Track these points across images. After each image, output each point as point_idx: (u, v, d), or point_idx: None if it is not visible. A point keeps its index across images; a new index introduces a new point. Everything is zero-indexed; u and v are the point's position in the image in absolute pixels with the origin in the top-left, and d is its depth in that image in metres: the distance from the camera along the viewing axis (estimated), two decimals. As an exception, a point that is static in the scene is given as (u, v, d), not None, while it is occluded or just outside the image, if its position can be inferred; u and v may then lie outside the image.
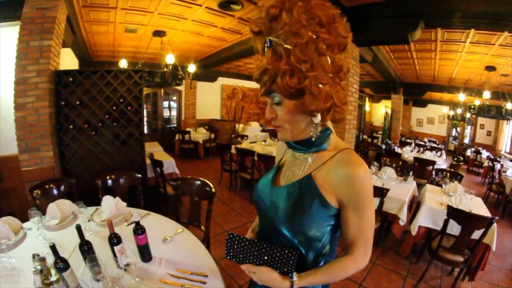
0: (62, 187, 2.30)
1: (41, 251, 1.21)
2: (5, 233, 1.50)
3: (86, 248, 1.26)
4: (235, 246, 0.82)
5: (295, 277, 0.77)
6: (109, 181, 2.46)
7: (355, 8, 3.82)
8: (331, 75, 0.70)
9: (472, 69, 6.12)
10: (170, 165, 3.89)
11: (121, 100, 2.91)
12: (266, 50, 0.67)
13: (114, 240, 1.28)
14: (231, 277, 2.51)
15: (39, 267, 1.14)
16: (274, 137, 6.65)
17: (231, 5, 3.77)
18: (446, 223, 2.40)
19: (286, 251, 0.77)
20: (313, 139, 0.78)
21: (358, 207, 0.75)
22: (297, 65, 0.64)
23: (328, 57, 0.68)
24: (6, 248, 1.39)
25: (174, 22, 4.37)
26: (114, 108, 2.88)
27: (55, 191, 2.24)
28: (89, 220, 1.83)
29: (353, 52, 4.23)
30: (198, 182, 2.20)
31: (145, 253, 1.40)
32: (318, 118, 0.74)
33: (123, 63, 4.81)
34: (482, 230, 2.23)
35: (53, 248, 1.11)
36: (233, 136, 6.99)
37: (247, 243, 0.81)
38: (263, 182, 0.93)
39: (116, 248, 1.27)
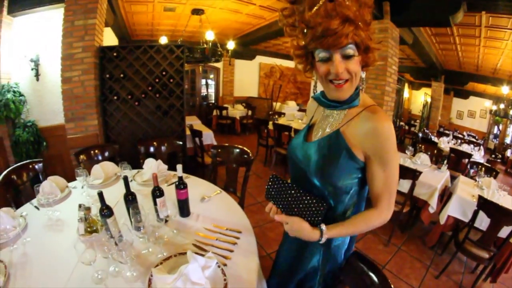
0: (106, 153, 2.49)
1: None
2: (51, 190, 1.65)
3: (130, 198, 1.36)
4: (276, 186, 0.90)
5: (323, 227, 0.83)
6: (151, 148, 2.63)
7: (395, -14, 3.67)
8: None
9: (519, 59, 5.59)
10: (208, 136, 4.05)
11: (164, 73, 3.07)
12: (321, 3, 0.69)
13: (157, 192, 1.39)
14: (260, 246, 2.63)
15: (83, 215, 1.26)
16: None
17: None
18: (475, 214, 2.33)
19: (317, 201, 0.83)
20: (357, 90, 0.85)
21: (382, 159, 0.80)
22: (364, 22, 0.73)
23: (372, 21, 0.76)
24: (53, 202, 1.54)
25: (213, 0, 4.42)
26: (157, 80, 3.05)
27: (99, 156, 2.42)
28: (131, 180, 1.93)
29: (393, 32, 4.06)
30: (237, 150, 2.28)
31: (184, 208, 1.51)
32: (364, 74, 0.85)
33: (163, 40, 4.97)
34: (511, 228, 2.13)
35: (100, 195, 1.20)
36: (270, 113, 7.00)
37: (286, 185, 0.89)
38: (297, 139, 1.00)
39: (158, 200, 1.38)
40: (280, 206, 0.90)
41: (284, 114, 7.02)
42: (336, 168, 0.84)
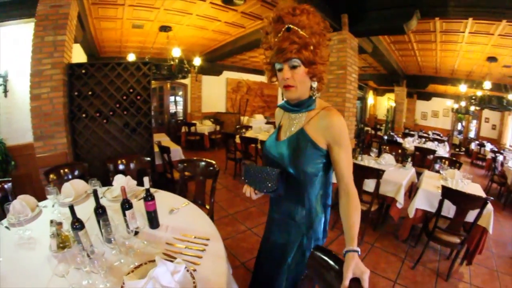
0: (76, 171, 2.44)
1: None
2: (22, 209, 1.62)
3: (100, 211, 1.38)
4: (247, 171, 1.12)
5: (355, 248, 0.91)
6: (120, 165, 2.61)
7: (352, 0, 3.94)
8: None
9: (474, 60, 6.12)
10: (177, 152, 4.05)
11: (131, 90, 3.09)
12: (282, 32, 0.99)
13: (126, 205, 1.40)
14: (234, 256, 2.64)
15: (55, 231, 1.24)
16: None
17: (234, 0, 3.91)
18: (441, 203, 2.47)
19: (271, 169, 1.05)
20: (313, 96, 1.11)
21: (340, 144, 1.05)
22: (310, 45, 1.00)
23: (324, 42, 1.05)
24: (24, 221, 1.50)
25: (180, 17, 4.53)
26: (124, 97, 3.06)
27: (69, 175, 2.37)
28: (101, 197, 1.95)
29: (351, 42, 4.32)
30: (203, 163, 2.35)
31: (153, 220, 1.52)
32: (315, 84, 1.09)
33: (131, 57, 4.99)
34: (477, 211, 2.28)
35: (71, 208, 1.22)
36: (237, 127, 7.16)
37: (253, 167, 1.12)
38: (270, 140, 1.24)
39: (127, 212, 1.39)
40: (251, 183, 1.11)
41: (251, 127, 7.21)
42: (304, 157, 1.07)
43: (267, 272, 1.31)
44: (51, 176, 2.26)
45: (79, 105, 2.89)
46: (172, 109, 9.08)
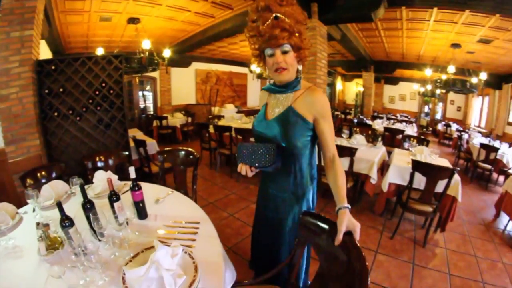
0: (53, 173, 2.32)
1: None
2: (2, 218, 1.53)
3: (89, 206, 1.34)
4: (241, 149, 1.21)
5: (345, 205, 1.07)
6: (98, 162, 2.54)
7: (322, -11, 4.01)
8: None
9: (439, 46, 6.49)
10: (152, 146, 4.00)
11: (103, 85, 2.98)
12: (270, 20, 1.08)
13: (114, 197, 1.38)
14: (220, 241, 2.70)
15: (43, 233, 1.21)
16: (248, 115, 6.93)
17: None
18: (412, 175, 2.68)
19: (267, 146, 1.15)
20: (298, 78, 1.25)
21: (325, 116, 1.21)
22: (297, 32, 1.13)
23: (305, 31, 1.18)
24: (6, 230, 1.44)
25: (149, 9, 4.40)
26: (97, 93, 2.96)
27: (45, 178, 2.26)
28: None
29: (321, 30, 4.44)
30: (183, 152, 2.37)
31: (141, 210, 1.51)
32: (301, 66, 1.23)
33: (100, 51, 4.77)
34: (445, 181, 2.50)
35: (59, 205, 1.18)
36: (210, 117, 7.12)
37: (247, 145, 1.22)
38: (258, 119, 1.35)
39: (115, 204, 1.37)
40: (247, 161, 1.19)
41: (223, 116, 7.22)
42: (295, 131, 1.21)
43: (268, 246, 1.45)
44: (28, 180, 2.14)
45: (50, 104, 2.75)
46: (142, 103, 8.86)
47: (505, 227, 3.27)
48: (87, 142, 2.99)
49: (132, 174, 1.48)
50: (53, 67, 2.72)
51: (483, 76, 6.19)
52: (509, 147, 5.57)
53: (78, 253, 1.07)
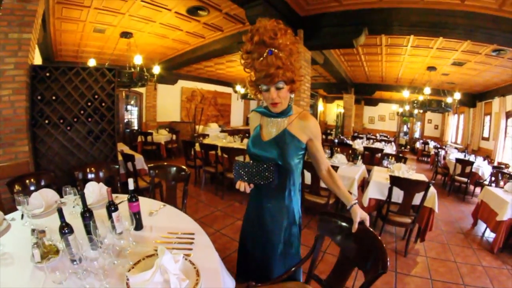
0: (42, 181, 2.30)
1: (29, 236, 1.28)
2: None
3: (87, 215, 1.37)
4: (239, 167, 1.28)
5: (351, 202, 1.33)
6: (89, 174, 2.54)
7: (308, 18, 4.34)
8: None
9: (416, 69, 6.97)
10: (139, 161, 4.00)
11: (96, 96, 3.01)
12: (265, 55, 1.16)
13: (112, 207, 1.42)
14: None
15: (38, 240, 1.20)
16: (231, 135, 7.05)
17: (199, 11, 4.04)
18: (390, 190, 2.89)
19: (267, 165, 1.24)
20: (290, 105, 1.37)
21: (317, 136, 1.37)
22: (290, 66, 1.21)
23: (298, 59, 1.29)
24: None
25: (143, 25, 4.51)
26: (89, 104, 2.98)
27: (34, 186, 2.23)
28: (73, 206, 1.88)
29: (305, 55, 4.72)
30: (174, 168, 2.43)
31: (138, 222, 1.55)
32: (293, 95, 1.35)
33: (92, 62, 4.78)
34: (422, 194, 2.72)
35: (60, 211, 1.20)
36: (195, 135, 7.20)
37: (245, 163, 1.29)
38: (254, 141, 1.43)
39: (114, 214, 1.41)
40: (246, 178, 1.27)
41: (208, 135, 7.33)
42: (290, 151, 1.32)
43: (259, 258, 1.52)
44: (16, 187, 2.11)
45: (41, 111, 2.74)
46: (126, 118, 8.81)
47: (483, 233, 3.54)
48: (76, 153, 2.98)
49: (131, 186, 1.53)
50: (47, 74, 2.73)
51: (457, 96, 6.67)
52: (484, 160, 6.06)
53: (78, 260, 1.10)
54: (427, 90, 6.78)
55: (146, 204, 1.96)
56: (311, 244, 1.54)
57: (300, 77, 1.30)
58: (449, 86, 7.99)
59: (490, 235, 3.42)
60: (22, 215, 1.69)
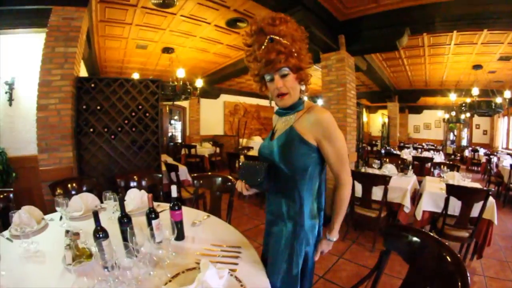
0: (84, 186, 2.36)
1: (64, 238, 1.25)
2: (27, 220, 1.52)
3: (125, 220, 1.29)
4: (242, 168, 1.22)
5: (327, 235, 1.22)
6: (131, 181, 2.56)
7: (348, 22, 4.19)
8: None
9: (461, 69, 6.45)
10: (183, 172, 4.03)
11: (140, 107, 3.10)
12: (266, 43, 1.03)
13: (153, 214, 1.34)
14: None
15: (71, 242, 1.17)
16: None
17: (238, 23, 4.05)
18: (447, 200, 2.61)
19: (259, 164, 1.14)
20: (301, 100, 1.19)
21: (330, 139, 1.10)
22: (294, 52, 1.06)
23: (304, 47, 1.12)
24: (30, 233, 1.41)
25: (183, 39, 4.64)
26: (133, 114, 3.07)
27: (76, 190, 2.28)
28: (113, 212, 1.86)
29: (349, 61, 4.53)
30: (220, 178, 2.33)
31: (179, 231, 1.46)
32: (303, 87, 1.18)
33: (136, 76, 5.03)
34: (481, 204, 2.43)
35: (95, 215, 1.15)
36: (239, 148, 7.21)
37: (245, 162, 1.23)
38: (265, 141, 1.31)
39: (154, 222, 1.32)
40: (242, 177, 1.20)
41: (252, 148, 7.32)
42: (292, 152, 1.12)
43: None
44: (58, 190, 2.18)
45: (86, 120, 2.86)
46: (170, 132, 9.12)
47: None
48: (119, 161, 3.05)
49: (174, 193, 1.45)
50: (92, 85, 2.87)
51: (508, 94, 6.03)
52: None
53: (110, 267, 1.02)
54: (476, 91, 6.20)
55: (189, 214, 1.88)
56: (362, 262, 1.34)
57: (308, 63, 1.13)
58: (497, 85, 7.27)
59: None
60: (61, 217, 1.71)
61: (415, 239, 1.20)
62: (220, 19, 3.93)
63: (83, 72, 5.23)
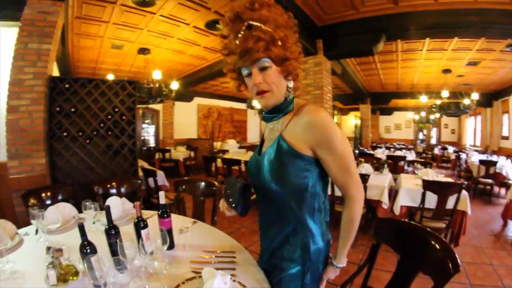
0: (59, 195, 2.18)
1: (43, 254, 1.15)
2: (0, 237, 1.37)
3: (113, 232, 1.21)
4: (224, 186, 1.10)
5: (334, 261, 1.03)
6: (110, 188, 2.42)
7: (326, 27, 4.33)
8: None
9: (431, 73, 6.91)
10: (160, 177, 3.91)
11: (116, 109, 2.95)
12: (243, 31, 0.84)
13: (141, 224, 1.25)
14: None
15: (54, 260, 1.07)
16: (249, 151, 6.93)
17: (217, 25, 4.02)
18: (424, 195, 2.79)
19: (237, 184, 1.04)
20: (288, 99, 0.95)
21: (329, 147, 0.86)
22: (278, 40, 0.85)
23: (292, 36, 0.91)
24: (4, 251, 1.27)
25: (161, 40, 4.54)
26: (109, 117, 2.91)
27: (51, 199, 2.11)
28: (94, 223, 1.75)
29: (326, 65, 4.71)
30: (203, 183, 2.28)
31: (170, 240, 1.38)
32: (291, 83, 0.94)
33: (110, 77, 4.81)
34: (455, 196, 2.66)
35: (81, 228, 1.05)
36: (215, 151, 7.16)
37: (228, 180, 1.11)
38: (253, 156, 1.09)
39: (143, 232, 1.23)
40: (226, 197, 1.07)
41: (228, 151, 7.26)
42: (284, 169, 0.90)
43: None
44: (31, 200, 2.00)
45: (59, 123, 2.67)
46: (143, 135, 8.89)
47: None
48: (95, 167, 2.88)
49: (162, 200, 1.38)
50: (66, 86, 2.68)
51: (475, 96, 6.52)
52: (507, 159, 5.89)
53: (102, 285, 0.94)
54: (445, 93, 6.68)
55: (174, 220, 1.76)
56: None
57: (297, 55, 0.93)
58: (465, 87, 7.88)
59: (522, 235, 3.40)
60: (37, 230, 1.57)
61: (404, 230, 1.27)
62: (200, 20, 3.88)
63: (55, 72, 4.92)
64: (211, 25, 4.04)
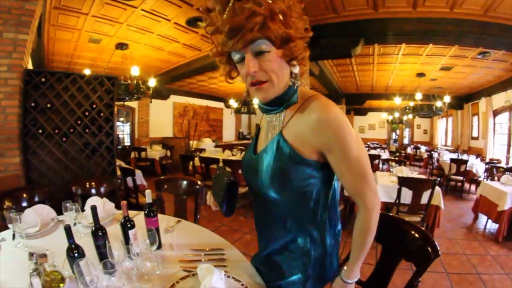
0: (35, 197, 2.06)
1: (23, 260, 1.12)
2: None
3: (100, 233, 1.17)
4: (213, 179, 1.06)
5: (344, 276, 0.86)
6: (89, 189, 2.34)
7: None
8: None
9: (406, 76, 7.24)
10: (138, 176, 3.82)
11: (94, 106, 2.84)
12: (231, 3, 0.64)
13: (128, 224, 1.24)
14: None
15: (38, 266, 1.01)
16: (229, 149, 6.93)
17: (198, 22, 3.96)
18: (399, 191, 2.96)
19: (224, 176, 0.97)
20: (292, 89, 0.78)
21: (342, 150, 0.71)
22: (278, 13, 0.65)
23: (296, 7, 0.70)
24: None
25: (140, 35, 4.41)
26: (86, 114, 2.81)
27: (27, 201, 2.00)
28: (74, 224, 1.69)
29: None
30: (185, 181, 2.27)
31: (157, 239, 1.36)
32: (296, 68, 0.76)
33: (87, 72, 4.61)
34: (429, 192, 2.83)
35: (67, 230, 1.01)
36: (192, 149, 7.09)
37: (219, 169, 1.06)
38: (247, 152, 0.96)
39: (130, 232, 1.23)
40: (213, 191, 1.04)
41: (205, 150, 7.25)
42: (285, 177, 0.76)
43: None
44: (6, 203, 1.88)
45: (34, 119, 2.54)
46: (118, 133, 8.60)
47: (485, 226, 3.78)
48: (71, 167, 2.76)
49: (149, 199, 1.37)
50: (42, 80, 2.55)
51: (447, 99, 6.96)
52: (476, 158, 6.43)
53: None
54: (419, 96, 7.04)
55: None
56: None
57: (303, 32, 0.74)
58: (437, 90, 8.34)
59: (492, 227, 3.69)
60: (14, 235, 1.48)
61: (385, 222, 1.28)
62: (181, 17, 3.81)
63: (28, 65, 4.63)
64: (192, 22, 3.98)
